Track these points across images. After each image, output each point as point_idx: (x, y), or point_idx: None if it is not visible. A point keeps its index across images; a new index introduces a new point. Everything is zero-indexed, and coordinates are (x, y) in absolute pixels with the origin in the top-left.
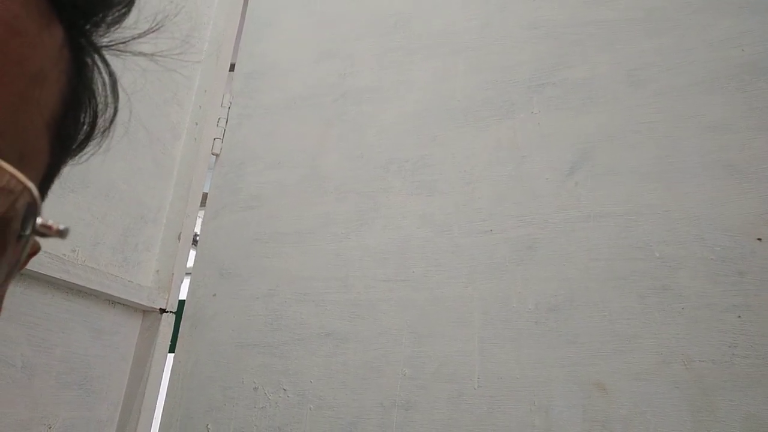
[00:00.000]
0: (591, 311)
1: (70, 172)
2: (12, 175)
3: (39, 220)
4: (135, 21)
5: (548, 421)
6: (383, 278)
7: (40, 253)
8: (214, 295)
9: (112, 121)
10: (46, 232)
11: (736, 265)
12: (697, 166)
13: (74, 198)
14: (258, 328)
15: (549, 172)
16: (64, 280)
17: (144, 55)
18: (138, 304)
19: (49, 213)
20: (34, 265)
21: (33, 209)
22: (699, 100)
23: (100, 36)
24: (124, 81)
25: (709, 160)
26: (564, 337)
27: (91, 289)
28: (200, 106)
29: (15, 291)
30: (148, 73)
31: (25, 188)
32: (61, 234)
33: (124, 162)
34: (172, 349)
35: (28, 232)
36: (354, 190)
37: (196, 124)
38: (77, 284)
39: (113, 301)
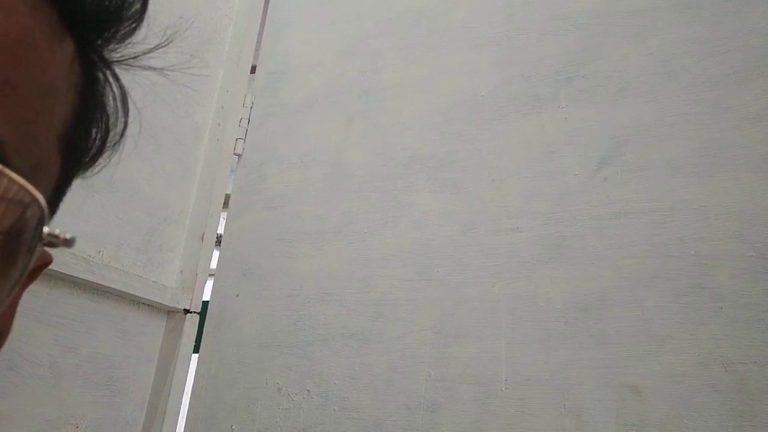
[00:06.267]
0: (623, 311)
1: (87, 177)
2: (22, 187)
3: (46, 230)
4: (145, 36)
5: (580, 425)
6: (407, 278)
7: (66, 253)
8: (238, 295)
9: (122, 135)
10: (54, 241)
11: None
12: (735, 158)
13: (99, 199)
14: (281, 328)
15: (578, 168)
16: (90, 281)
17: (154, 69)
18: (162, 304)
19: (74, 214)
20: (59, 265)
21: (41, 220)
22: (736, 90)
23: (111, 51)
24: (146, 83)
25: (748, 153)
26: (595, 337)
27: (115, 290)
28: (222, 107)
29: (41, 292)
30: (170, 75)
31: (34, 199)
32: (68, 243)
33: (148, 163)
34: (196, 350)
35: (35, 242)
36: (377, 189)
37: (219, 124)
38: (102, 285)
39: (138, 302)
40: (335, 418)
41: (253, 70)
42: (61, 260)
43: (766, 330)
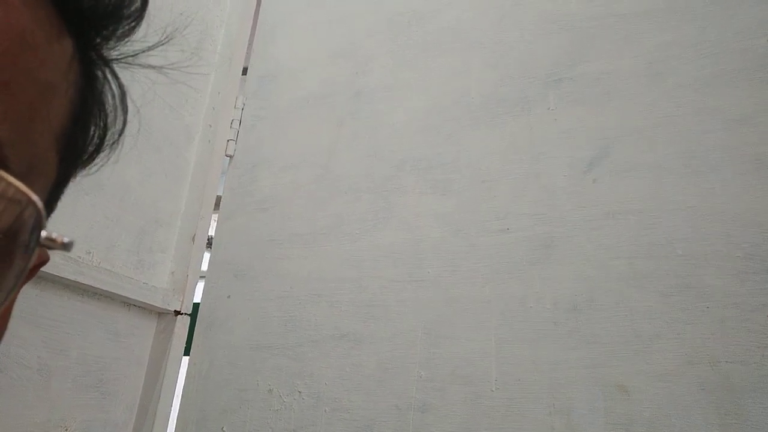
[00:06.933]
0: (611, 311)
1: (84, 175)
2: (18, 188)
3: (44, 234)
4: (144, 34)
5: (569, 424)
6: (397, 279)
7: (55, 255)
8: (229, 296)
9: (120, 133)
10: (51, 245)
11: (765, 263)
12: (722, 160)
13: (89, 200)
14: (272, 329)
15: (566, 169)
16: (80, 282)
17: (153, 67)
18: (153, 306)
19: (64, 215)
20: (48, 267)
21: (38, 222)
22: (723, 92)
23: (110, 49)
24: (138, 84)
25: (734, 154)
26: (584, 337)
27: (106, 291)
28: (214, 108)
29: (30, 293)
30: (162, 76)
31: (31, 201)
32: (66, 247)
33: (139, 164)
34: (186, 352)
35: (33, 244)
36: (367, 190)
37: (210, 126)
38: (92, 286)
39: (128, 303)
40: (326, 419)
41: (245, 72)
42: (50, 262)
43: (753, 329)
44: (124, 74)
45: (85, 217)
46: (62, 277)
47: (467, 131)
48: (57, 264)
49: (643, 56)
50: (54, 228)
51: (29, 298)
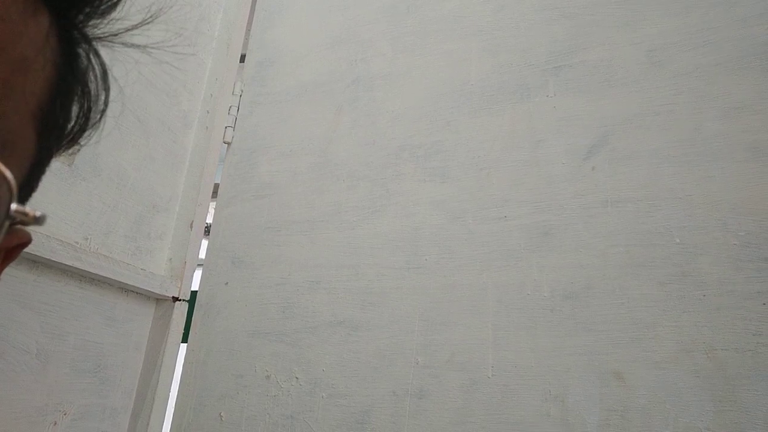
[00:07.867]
0: (608, 298)
1: (81, 161)
2: None
3: (14, 207)
4: (128, 13)
5: (564, 411)
6: (395, 266)
7: (52, 240)
8: (227, 283)
9: (103, 112)
10: (24, 219)
11: (761, 251)
12: (720, 148)
13: (86, 186)
14: (270, 316)
15: (565, 157)
16: (77, 268)
17: (137, 47)
18: (151, 292)
19: (61, 201)
20: (46, 252)
21: (11, 198)
22: (723, 80)
23: (93, 27)
24: (137, 70)
25: (733, 143)
26: (581, 324)
27: (103, 277)
28: (212, 95)
29: (28, 279)
30: (160, 63)
31: (4, 178)
32: (38, 221)
33: (136, 150)
34: (184, 339)
35: (4, 219)
36: (366, 178)
37: (208, 112)
38: (90, 272)
39: (126, 289)
40: (323, 405)
41: (243, 58)
42: (47, 247)
43: (747, 317)
44: (127, 54)
45: (82, 202)
46: (60, 263)
47: (466, 119)
48: (54, 249)
49: (642, 44)
50: (51, 213)
51: (27, 283)
